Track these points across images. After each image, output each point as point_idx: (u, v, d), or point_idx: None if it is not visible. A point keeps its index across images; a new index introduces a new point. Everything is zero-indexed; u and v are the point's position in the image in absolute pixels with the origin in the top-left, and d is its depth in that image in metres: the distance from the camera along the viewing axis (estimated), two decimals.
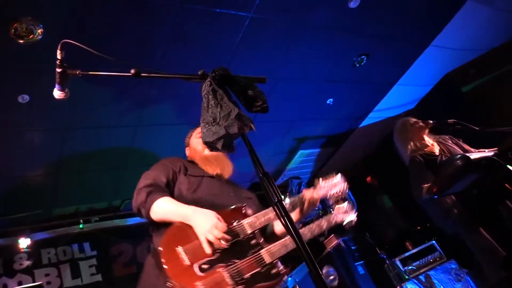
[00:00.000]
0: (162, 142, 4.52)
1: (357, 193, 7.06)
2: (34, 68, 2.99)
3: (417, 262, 4.76)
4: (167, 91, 3.87)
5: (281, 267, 2.11)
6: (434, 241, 5.05)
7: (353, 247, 5.48)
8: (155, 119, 4.16)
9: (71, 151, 4.07)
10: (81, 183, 4.66)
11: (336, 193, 2.58)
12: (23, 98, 3.22)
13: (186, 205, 2.08)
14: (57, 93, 1.68)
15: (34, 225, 4.89)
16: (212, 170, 2.47)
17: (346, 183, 2.63)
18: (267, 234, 2.42)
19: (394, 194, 7.00)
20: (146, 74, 1.64)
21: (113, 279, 5.11)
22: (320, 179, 2.61)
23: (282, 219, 1.34)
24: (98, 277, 5.03)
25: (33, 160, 4.02)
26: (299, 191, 6.63)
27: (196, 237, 1.96)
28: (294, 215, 2.41)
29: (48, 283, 4.71)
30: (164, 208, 2.08)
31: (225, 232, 1.97)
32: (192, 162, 2.56)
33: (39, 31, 2.70)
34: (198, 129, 2.66)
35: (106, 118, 3.90)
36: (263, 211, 2.23)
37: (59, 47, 1.56)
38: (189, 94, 3.78)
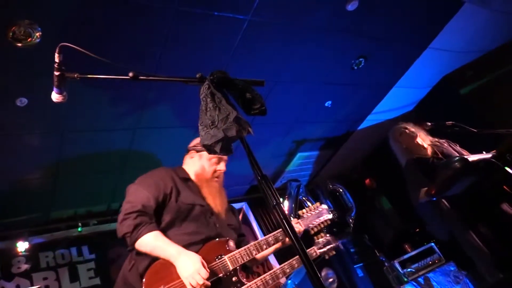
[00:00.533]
0: (161, 144, 4.52)
1: (356, 196, 7.07)
2: (32, 71, 2.99)
3: (416, 264, 4.76)
4: (166, 94, 3.87)
5: None
6: (433, 243, 5.06)
7: (352, 250, 5.48)
8: (153, 121, 4.15)
9: (69, 154, 4.06)
10: (80, 186, 4.65)
11: (320, 223, 2.62)
12: (21, 101, 3.21)
13: (172, 244, 2.09)
14: (55, 96, 1.68)
15: (32, 228, 4.87)
16: (208, 198, 2.45)
17: (330, 213, 2.68)
18: (247, 264, 2.44)
19: (393, 196, 7.00)
20: (144, 77, 1.64)
21: (112, 282, 5.05)
22: (304, 209, 2.65)
23: (280, 221, 1.34)
24: (97, 281, 5.01)
25: (31, 163, 4.00)
26: (297, 194, 6.63)
27: (177, 276, 2.01)
28: (277, 246, 2.45)
29: (47, 286, 4.69)
30: (150, 244, 2.09)
31: (209, 272, 2.01)
32: (186, 179, 2.52)
33: (37, 34, 2.69)
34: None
35: (104, 121, 3.89)
36: (246, 246, 2.28)
37: (57, 50, 1.56)
38: (188, 97, 3.78)
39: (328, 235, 2.76)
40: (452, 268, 4.78)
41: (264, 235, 2.52)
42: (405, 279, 4.57)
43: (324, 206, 2.73)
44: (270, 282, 2.25)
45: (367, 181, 7.49)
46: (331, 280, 5.22)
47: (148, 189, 2.26)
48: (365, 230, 6.32)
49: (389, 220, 7.00)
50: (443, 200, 3.59)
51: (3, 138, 3.53)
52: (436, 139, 3.93)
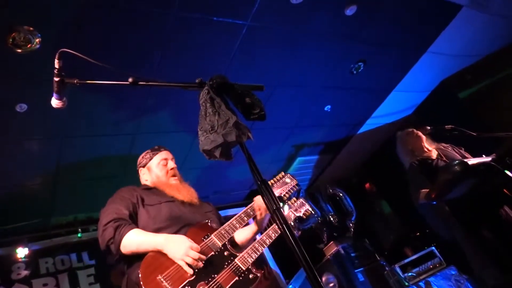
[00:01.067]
0: None
1: (355, 200, 7.07)
2: (32, 77, 2.99)
3: (417, 269, 4.75)
4: (165, 99, 3.87)
5: (255, 270, 2.24)
6: (433, 247, 5.04)
7: (352, 254, 5.46)
8: (153, 126, 4.15)
9: (69, 159, 4.06)
10: (80, 191, 4.64)
11: (289, 189, 2.71)
12: (21, 107, 3.21)
13: (156, 234, 2.13)
14: (55, 102, 1.69)
15: (32, 234, 4.86)
16: (174, 195, 2.48)
17: (295, 179, 2.78)
18: (234, 243, 2.50)
19: (393, 200, 7.00)
20: (143, 83, 1.64)
21: None
22: (272, 180, 2.73)
23: (280, 226, 1.33)
24: (97, 287, 4.98)
25: (31, 169, 4.00)
26: (297, 198, 6.62)
27: (171, 263, 2.02)
28: (253, 224, 2.55)
29: None
30: (135, 241, 2.09)
31: (200, 251, 2.06)
32: (148, 188, 2.56)
33: (37, 40, 2.70)
34: (161, 155, 2.69)
35: (104, 126, 3.89)
36: (228, 222, 2.34)
37: (56, 56, 1.57)
38: (187, 102, 3.78)
39: (300, 199, 2.94)
40: (453, 272, 4.76)
41: None
42: (406, 284, 4.56)
43: (289, 175, 2.89)
44: (260, 249, 2.36)
45: (367, 185, 7.49)
46: (331, 285, 5.21)
47: (117, 203, 2.32)
48: (366, 235, 6.30)
49: (390, 224, 6.99)
50: (444, 203, 3.59)
51: (3, 144, 3.53)
52: (442, 144, 3.96)
